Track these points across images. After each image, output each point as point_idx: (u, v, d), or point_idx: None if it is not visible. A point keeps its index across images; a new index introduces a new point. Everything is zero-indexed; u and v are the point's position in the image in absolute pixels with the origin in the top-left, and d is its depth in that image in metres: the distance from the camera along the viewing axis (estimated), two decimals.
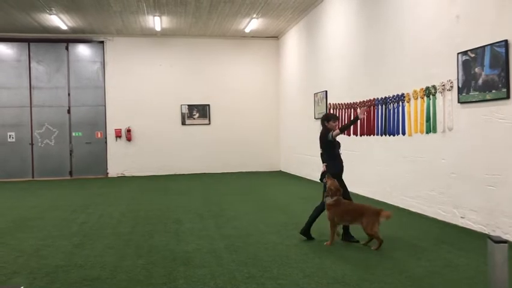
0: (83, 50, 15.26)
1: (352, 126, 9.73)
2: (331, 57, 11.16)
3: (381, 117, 8.76)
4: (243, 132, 15.81)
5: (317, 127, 12.04)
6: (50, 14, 12.29)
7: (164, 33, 14.93)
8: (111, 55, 15.14)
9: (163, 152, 15.36)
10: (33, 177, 14.88)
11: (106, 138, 15.22)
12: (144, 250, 5.46)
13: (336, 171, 5.81)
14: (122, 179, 14.41)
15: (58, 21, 12.86)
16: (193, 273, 4.55)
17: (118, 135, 15.16)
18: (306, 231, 5.87)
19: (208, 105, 15.67)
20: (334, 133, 5.85)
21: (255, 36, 15.53)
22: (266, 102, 16.03)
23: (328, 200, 5.58)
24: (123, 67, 15.17)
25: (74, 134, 15.15)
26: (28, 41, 14.74)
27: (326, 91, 11.49)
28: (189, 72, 15.56)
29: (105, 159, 15.23)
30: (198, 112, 15.68)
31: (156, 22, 13.30)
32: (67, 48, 15.09)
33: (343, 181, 5.85)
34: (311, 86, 12.63)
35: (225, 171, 15.50)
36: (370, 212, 5.39)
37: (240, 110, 15.82)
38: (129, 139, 15.20)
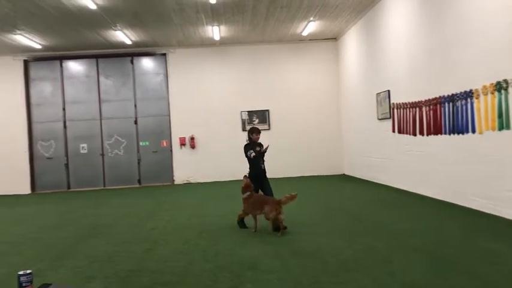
0: (146, 63, 15.90)
1: (418, 126, 9.47)
2: (393, 55, 10.86)
3: (448, 115, 8.38)
4: (303, 136, 15.73)
5: (380, 127, 11.78)
6: (115, 30, 12.93)
7: (223, 42, 15.22)
8: (173, 66, 15.65)
9: (226, 158, 15.59)
10: (104, 186, 15.66)
11: (171, 146, 15.74)
12: (211, 255, 5.56)
13: (251, 174, 7.34)
14: (188, 186, 14.81)
15: (123, 36, 13.51)
16: (260, 278, 4.56)
17: (182, 143, 15.62)
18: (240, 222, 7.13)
19: (268, 110, 15.76)
20: (252, 155, 7.31)
21: (312, 39, 15.45)
22: (327, 104, 15.86)
23: (244, 196, 6.91)
24: (185, 77, 15.63)
25: (141, 143, 15.81)
26: (96, 57, 15.60)
27: (388, 90, 11.19)
28: (247, 79, 15.75)
29: (171, 166, 15.73)
30: (258, 118, 15.81)
31: (215, 32, 13.59)
32: (132, 62, 15.79)
33: (266, 181, 7.46)
34: (373, 86, 12.35)
35: (287, 176, 15.47)
36: (271, 202, 6.57)
37: (300, 113, 15.77)
38: (193, 146, 15.61)
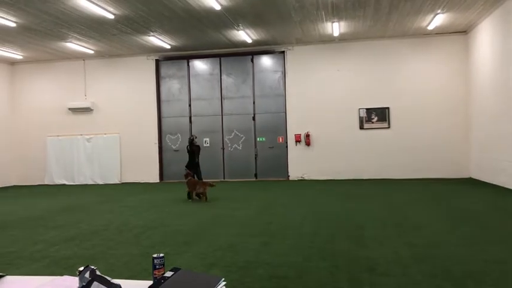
0: (265, 61, 16.30)
1: None
2: None
3: None
4: (426, 136, 14.86)
5: None
6: (238, 30, 13.44)
7: (342, 38, 14.98)
8: (291, 64, 15.82)
9: (342, 156, 15.39)
10: (224, 178, 16.43)
11: (287, 143, 15.95)
12: (328, 253, 5.53)
13: (191, 164, 11.94)
14: (302, 182, 14.90)
15: (244, 35, 14.00)
16: (378, 280, 4.43)
17: (298, 140, 15.73)
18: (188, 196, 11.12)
19: (388, 108, 15.16)
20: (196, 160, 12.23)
21: (439, 32, 14.49)
22: (452, 102, 14.79)
23: (186, 180, 11.10)
24: (302, 74, 15.71)
25: (258, 139, 16.27)
26: (219, 56, 16.38)
27: None
28: (367, 76, 15.31)
29: (286, 162, 15.96)
30: (377, 116, 15.29)
31: (335, 28, 13.43)
32: (252, 60, 16.30)
33: (199, 169, 12.16)
34: (509, 83, 11.21)
35: (407, 177, 14.77)
36: (200, 183, 10.96)
37: (423, 111, 14.92)
38: (308, 144, 15.64)
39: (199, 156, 12.49)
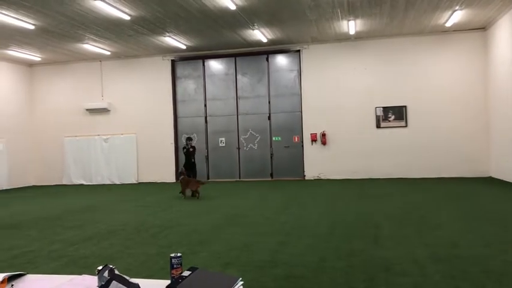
0: (281, 60, 16.27)
1: None
2: None
3: None
4: (444, 135, 14.67)
5: None
6: (253, 29, 13.45)
7: (358, 36, 14.88)
8: (307, 62, 15.76)
9: (358, 155, 15.28)
10: (239, 178, 16.46)
11: (302, 142, 15.90)
12: (344, 253, 5.50)
13: (187, 164, 13.24)
14: (318, 182, 14.84)
15: (260, 35, 14.00)
16: (394, 281, 4.39)
17: (313, 139, 15.67)
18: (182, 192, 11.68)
19: (405, 106, 15.01)
20: (192, 160, 13.69)
21: (457, 29, 14.29)
22: (471, 101, 14.56)
23: (180, 178, 11.86)
24: (318, 73, 15.64)
25: (274, 138, 16.26)
26: (234, 55, 16.41)
27: None
28: (383, 74, 15.18)
29: (302, 162, 15.91)
30: (394, 114, 15.15)
31: (351, 26, 13.35)
32: (267, 60, 16.28)
33: (195, 169, 13.54)
34: None
35: (424, 176, 14.61)
36: (193, 181, 11.69)
37: (441, 110, 14.73)
38: (324, 143, 15.57)
39: (195, 156, 13.91)
